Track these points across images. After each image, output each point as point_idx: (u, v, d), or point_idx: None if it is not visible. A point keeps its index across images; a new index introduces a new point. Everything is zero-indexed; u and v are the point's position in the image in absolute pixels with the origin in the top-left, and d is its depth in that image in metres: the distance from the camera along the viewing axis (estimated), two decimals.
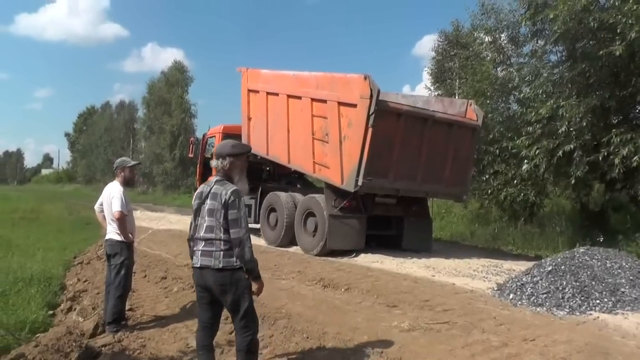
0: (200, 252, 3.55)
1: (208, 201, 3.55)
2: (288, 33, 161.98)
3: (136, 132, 52.74)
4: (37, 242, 11.74)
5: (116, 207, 5.20)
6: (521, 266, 9.39)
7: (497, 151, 13.72)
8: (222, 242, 3.47)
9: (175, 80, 42.55)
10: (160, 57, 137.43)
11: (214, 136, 14.81)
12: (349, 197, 9.59)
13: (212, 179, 3.65)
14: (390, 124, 9.11)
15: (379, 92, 8.79)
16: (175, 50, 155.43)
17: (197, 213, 3.63)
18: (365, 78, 8.85)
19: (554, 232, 13.62)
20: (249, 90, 12.46)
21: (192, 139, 16.75)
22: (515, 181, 13.55)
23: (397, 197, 10.16)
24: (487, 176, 14.32)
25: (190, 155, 16.10)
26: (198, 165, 15.44)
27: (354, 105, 9.07)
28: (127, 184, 5.50)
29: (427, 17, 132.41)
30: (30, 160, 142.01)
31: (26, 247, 10.87)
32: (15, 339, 4.79)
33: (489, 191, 14.48)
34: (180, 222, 18.23)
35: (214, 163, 3.65)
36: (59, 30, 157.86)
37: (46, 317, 6.09)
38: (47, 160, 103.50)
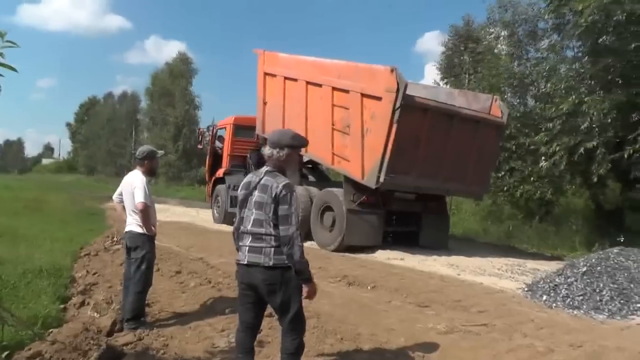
0: (247, 247, 3.24)
1: (256, 193, 3.24)
2: (290, 29, 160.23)
3: (139, 123, 52.33)
4: (43, 233, 11.43)
5: (139, 197, 4.88)
6: (544, 266, 9.15)
7: (514, 147, 13.45)
8: (272, 238, 3.16)
9: (179, 72, 42.10)
10: (163, 50, 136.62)
11: (225, 127, 14.54)
12: (369, 192, 9.29)
13: (263, 169, 3.34)
14: (415, 119, 8.79)
15: (406, 86, 8.47)
16: (178, 43, 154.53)
17: (243, 204, 3.32)
18: (392, 71, 8.51)
19: (570, 231, 13.35)
20: (266, 74, 12.15)
21: (201, 129, 16.42)
22: (532, 178, 13.24)
23: (416, 193, 9.87)
24: (502, 173, 14.03)
25: (200, 146, 15.81)
26: (208, 157, 15.17)
27: (379, 98, 8.74)
28: (151, 174, 5.20)
29: (428, 14, 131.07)
30: (31, 150, 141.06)
31: (32, 238, 10.57)
32: (33, 334, 4.49)
33: (505, 188, 14.18)
34: (186, 214, 17.98)
35: (266, 151, 3.31)
36: (62, 21, 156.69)
37: (58, 312, 5.83)
38: (48, 150, 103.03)
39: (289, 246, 3.10)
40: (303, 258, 3.15)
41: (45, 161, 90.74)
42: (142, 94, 50.90)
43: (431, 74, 26.33)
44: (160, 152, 5.46)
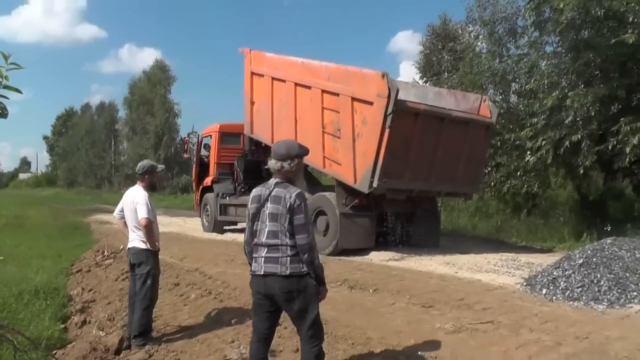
0: (263, 258, 3.29)
1: (269, 205, 3.28)
2: (264, 33, 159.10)
3: (118, 133, 51.76)
4: (30, 250, 11.26)
5: (142, 213, 4.85)
6: (537, 259, 9.28)
7: (499, 143, 13.60)
8: (288, 248, 3.23)
9: (157, 80, 41.80)
10: (137, 58, 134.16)
11: (210, 135, 14.45)
12: (361, 196, 9.32)
13: (271, 181, 3.36)
14: (407, 123, 8.81)
15: (397, 91, 8.49)
16: (152, 50, 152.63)
17: (255, 217, 3.35)
18: (383, 76, 8.52)
19: (557, 223, 13.54)
20: (253, 73, 12.12)
21: (186, 138, 16.29)
22: (518, 173, 13.42)
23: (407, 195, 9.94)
24: (489, 169, 14.18)
25: (186, 155, 15.72)
26: (194, 165, 15.07)
27: (370, 103, 8.75)
28: (152, 188, 5.17)
29: (400, 13, 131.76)
30: (7, 165, 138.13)
31: (19, 255, 10.39)
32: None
33: (492, 184, 14.35)
34: (173, 224, 17.87)
35: (273, 164, 3.33)
36: (34, 32, 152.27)
37: (61, 332, 5.75)
38: (25, 164, 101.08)
39: (309, 254, 3.22)
40: (320, 263, 3.33)
41: (22, 176, 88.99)
42: (119, 103, 50.44)
43: (407, 73, 26.60)
44: (161, 166, 5.42)
